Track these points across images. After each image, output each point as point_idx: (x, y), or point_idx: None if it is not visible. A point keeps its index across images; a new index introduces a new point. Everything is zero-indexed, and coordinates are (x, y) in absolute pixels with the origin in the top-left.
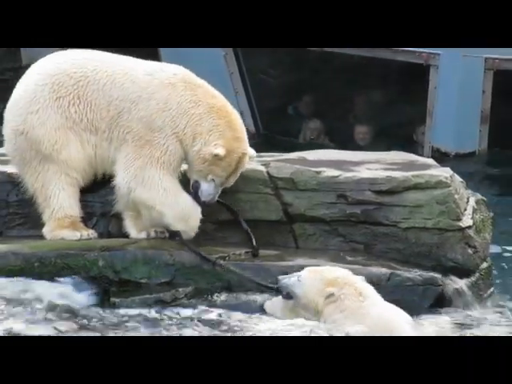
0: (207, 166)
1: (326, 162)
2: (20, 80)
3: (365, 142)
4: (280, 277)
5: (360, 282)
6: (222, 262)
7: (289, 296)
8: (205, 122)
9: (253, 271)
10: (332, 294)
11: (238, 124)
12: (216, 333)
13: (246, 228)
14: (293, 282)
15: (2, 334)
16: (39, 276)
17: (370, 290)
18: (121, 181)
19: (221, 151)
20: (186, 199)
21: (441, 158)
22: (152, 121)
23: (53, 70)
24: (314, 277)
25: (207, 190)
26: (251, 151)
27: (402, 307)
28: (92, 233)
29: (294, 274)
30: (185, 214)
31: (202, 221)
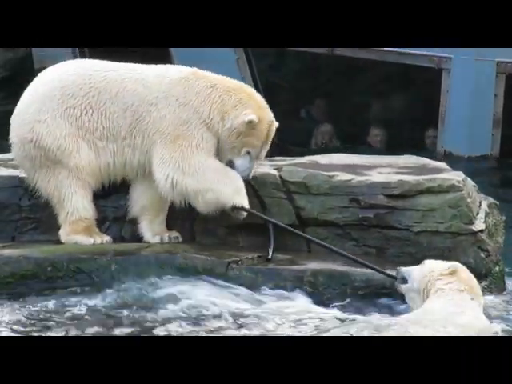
0: (242, 138)
1: (339, 166)
2: (27, 88)
3: (380, 144)
4: (398, 268)
5: (479, 288)
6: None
7: (404, 280)
8: (227, 101)
9: (265, 275)
10: (452, 271)
11: (258, 96)
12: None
13: (272, 235)
14: (410, 270)
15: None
16: (52, 280)
17: (482, 300)
18: (162, 178)
19: (253, 117)
20: (234, 173)
21: (453, 161)
22: (176, 116)
23: (61, 82)
24: (440, 261)
25: (242, 164)
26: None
27: None
28: (107, 240)
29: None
30: (238, 187)
31: (213, 225)
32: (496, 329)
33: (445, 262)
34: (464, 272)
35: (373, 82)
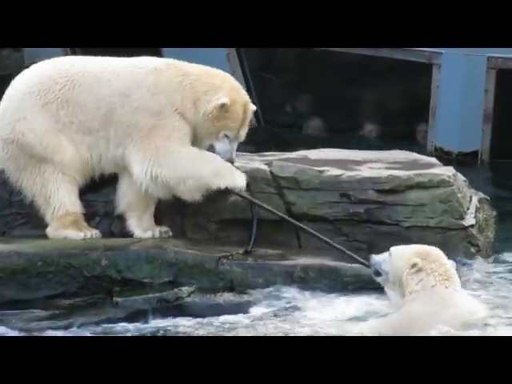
0: (217, 122)
1: (329, 161)
2: (7, 89)
3: (373, 138)
4: (373, 255)
5: (451, 267)
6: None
7: (378, 273)
8: (199, 87)
9: (255, 270)
10: (416, 264)
11: (232, 79)
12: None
13: (254, 230)
14: (383, 257)
15: None
16: (42, 276)
17: (457, 279)
18: (140, 172)
19: (225, 100)
20: (214, 156)
21: (443, 156)
22: (148, 108)
23: (38, 78)
24: (405, 249)
25: (222, 147)
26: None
27: None
28: (96, 233)
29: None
30: (220, 169)
31: (204, 220)
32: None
33: (409, 248)
34: (430, 258)
35: (363, 77)
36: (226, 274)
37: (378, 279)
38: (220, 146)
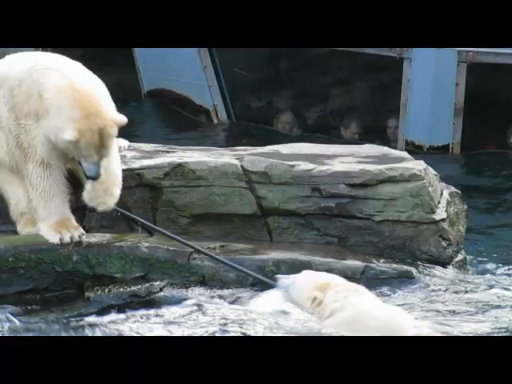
0: (72, 149)
1: (300, 155)
2: None
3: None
4: (277, 276)
5: (354, 290)
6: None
7: (286, 294)
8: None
9: (227, 265)
10: (316, 298)
11: (86, 100)
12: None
13: (132, 216)
14: (288, 283)
15: None
16: (14, 271)
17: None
18: None
19: (70, 136)
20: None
21: (414, 151)
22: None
23: None
24: (306, 281)
25: (87, 168)
26: (118, 118)
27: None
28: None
29: (292, 275)
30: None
31: (175, 215)
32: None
33: (308, 281)
34: (329, 288)
35: (335, 72)
36: (197, 268)
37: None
38: (85, 165)
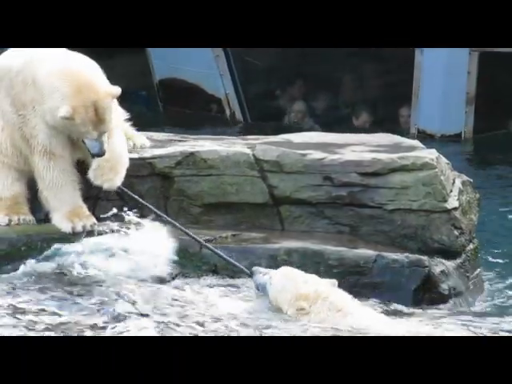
0: (67, 130)
1: (312, 144)
2: None
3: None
4: (255, 269)
5: (335, 295)
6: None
7: (258, 289)
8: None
9: (239, 254)
10: (303, 309)
11: (76, 77)
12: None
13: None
14: (264, 281)
15: None
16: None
17: (345, 299)
18: None
19: (65, 112)
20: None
21: (426, 139)
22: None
23: None
24: (286, 285)
25: (90, 145)
26: (112, 89)
27: (388, 289)
28: (25, 218)
29: (268, 270)
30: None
31: (187, 204)
32: None
33: (290, 290)
34: (313, 298)
35: (348, 62)
36: (209, 258)
37: (259, 293)
38: (87, 142)
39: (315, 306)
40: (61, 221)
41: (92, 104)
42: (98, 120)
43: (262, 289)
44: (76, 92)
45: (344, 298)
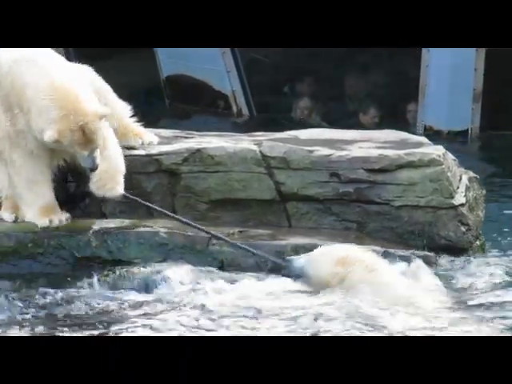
0: (58, 148)
1: (319, 140)
2: None
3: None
4: (288, 258)
5: (371, 259)
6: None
7: (298, 277)
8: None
9: (246, 250)
10: (338, 273)
11: (64, 99)
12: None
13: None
14: (303, 262)
15: None
16: (33, 257)
17: (382, 264)
18: None
19: (50, 136)
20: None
21: (433, 135)
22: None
23: None
24: (324, 257)
25: (83, 161)
26: (100, 111)
27: None
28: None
29: (303, 255)
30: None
31: (194, 200)
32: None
33: (327, 257)
34: (349, 261)
35: (355, 58)
36: (216, 254)
37: (299, 281)
38: (79, 157)
39: (352, 268)
40: (35, 216)
41: (79, 128)
42: (87, 141)
43: (300, 272)
44: (63, 116)
45: (377, 260)
